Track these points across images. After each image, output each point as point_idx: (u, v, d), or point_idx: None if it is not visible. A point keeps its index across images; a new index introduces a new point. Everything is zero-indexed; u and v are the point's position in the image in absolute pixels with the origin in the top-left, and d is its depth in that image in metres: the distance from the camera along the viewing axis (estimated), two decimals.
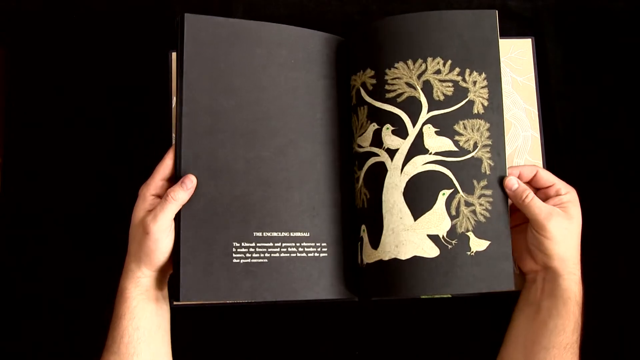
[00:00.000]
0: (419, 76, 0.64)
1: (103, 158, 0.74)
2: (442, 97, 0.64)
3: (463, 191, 0.63)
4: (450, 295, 0.65)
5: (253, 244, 0.63)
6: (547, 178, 0.64)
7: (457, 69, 0.64)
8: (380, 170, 0.64)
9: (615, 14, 0.78)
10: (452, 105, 0.64)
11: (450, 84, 0.64)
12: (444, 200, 0.62)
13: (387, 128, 0.64)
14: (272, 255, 0.63)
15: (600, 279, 0.70)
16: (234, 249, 0.62)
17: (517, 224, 0.66)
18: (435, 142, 0.63)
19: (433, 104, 0.64)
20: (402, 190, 0.63)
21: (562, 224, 0.61)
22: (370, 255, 0.64)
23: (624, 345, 0.71)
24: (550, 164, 0.72)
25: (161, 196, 0.62)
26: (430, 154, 0.63)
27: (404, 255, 0.62)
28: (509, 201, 0.63)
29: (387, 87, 0.64)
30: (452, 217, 0.62)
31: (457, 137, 0.63)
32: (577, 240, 0.62)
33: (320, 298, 0.64)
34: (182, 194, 0.61)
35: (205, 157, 0.63)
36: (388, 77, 0.64)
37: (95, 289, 0.70)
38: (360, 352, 0.71)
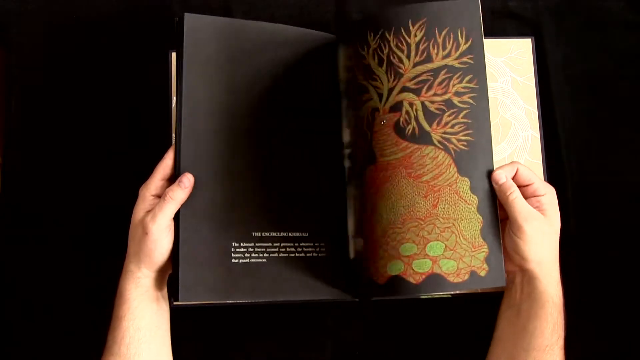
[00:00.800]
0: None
1: (103, 158, 0.74)
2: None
3: None
4: (450, 295, 0.65)
5: (252, 244, 0.63)
6: (527, 176, 0.61)
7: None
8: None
9: (615, 14, 0.78)
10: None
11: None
12: None
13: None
14: (270, 255, 0.63)
15: (598, 281, 0.70)
16: (232, 249, 0.62)
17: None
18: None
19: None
20: None
21: (540, 227, 0.59)
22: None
23: (615, 348, 0.70)
24: (550, 164, 0.72)
25: (160, 196, 0.62)
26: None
27: None
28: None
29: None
30: None
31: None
32: (554, 243, 0.61)
33: (319, 298, 0.64)
34: (180, 193, 0.61)
35: (204, 157, 0.63)
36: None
37: (95, 289, 0.71)
38: (360, 352, 0.71)
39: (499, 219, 0.61)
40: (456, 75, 0.61)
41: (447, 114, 0.61)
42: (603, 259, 0.72)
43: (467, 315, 0.71)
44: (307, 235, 0.64)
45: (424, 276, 0.59)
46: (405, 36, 0.62)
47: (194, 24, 0.64)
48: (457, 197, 0.60)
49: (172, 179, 0.63)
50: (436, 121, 0.61)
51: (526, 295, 0.61)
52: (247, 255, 0.62)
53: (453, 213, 0.60)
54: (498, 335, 0.64)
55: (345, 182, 0.67)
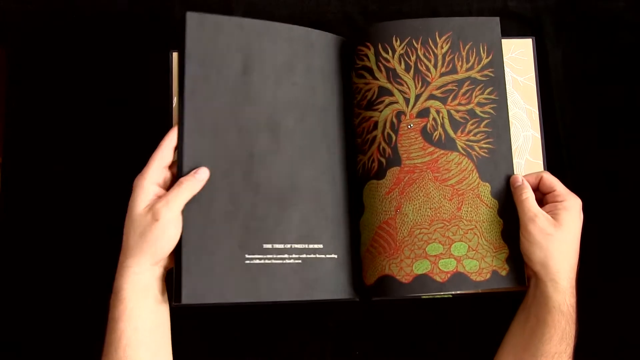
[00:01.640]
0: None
1: (103, 158, 0.74)
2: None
3: None
4: (450, 295, 0.65)
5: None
6: (550, 184, 0.64)
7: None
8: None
9: (615, 14, 0.78)
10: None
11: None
12: None
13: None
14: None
15: (598, 280, 0.70)
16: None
17: None
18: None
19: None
20: None
21: (546, 229, 0.61)
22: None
23: (614, 348, 0.71)
24: (550, 163, 0.72)
25: (160, 185, 0.61)
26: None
27: None
28: None
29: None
30: None
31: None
32: (564, 248, 0.61)
33: (326, 298, 0.64)
34: (195, 183, 0.60)
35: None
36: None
37: (95, 289, 0.70)
38: (360, 352, 0.71)
39: None
40: (478, 87, 0.66)
41: (470, 122, 0.65)
42: (603, 259, 0.72)
43: (468, 315, 0.71)
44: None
45: (449, 275, 0.63)
46: (433, 47, 0.66)
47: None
48: (479, 201, 0.64)
49: (173, 170, 0.62)
50: (460, 129, 0.65)
51: (535, 299, 0.62)
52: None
53: (475, 216, 0.64)
54: (508, 338, 0.64)
55: (357, 184, 0.67)
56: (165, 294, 0.63)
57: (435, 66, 0.66)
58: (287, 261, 0.62)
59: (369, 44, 0.67)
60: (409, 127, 0.65)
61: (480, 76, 0.66)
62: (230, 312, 0.70)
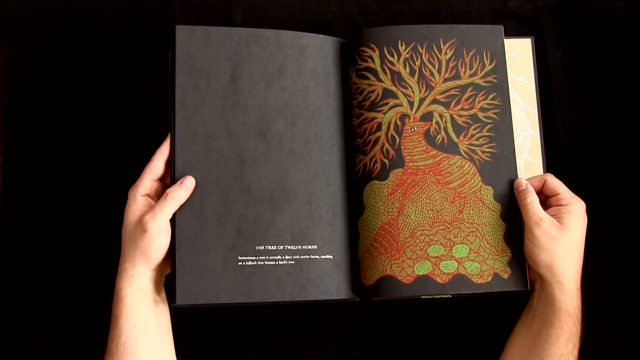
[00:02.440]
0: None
1: (103, 158, 0.74)
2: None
3: None
4: (450, 295, 0.65)
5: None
6: (553, 187, 0.65)
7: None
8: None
9: (615, 14, 0.78)
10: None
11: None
12: None
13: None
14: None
15: (597, 281, 0.70)
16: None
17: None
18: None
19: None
20: None
21: (550, 233, 0.61)
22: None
23: (615, 348, 0.71)
24: (550, 163, 0.72)
25: (151, 196, 0.63)
26: None
27: None
28: None
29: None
30: None
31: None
32: (569, 251, 0.62)
33: (321, 299, 0.64)
34: (181, 193, 0.62)
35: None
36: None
37: (95, 289, 0.70)
38: (361, 352, 0.71)
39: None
40: (481, 93, 0.67)
41: (472, 127, 0.66)
42: (603, 259, 0.72)
43: (467, 315, 0.71)
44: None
45: (450, 276, 0.63)
46: (437, 52, 0.67)
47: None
48: (481, 204, 0.65)
49: (165, 180, 0.64)
50: (463, 133, 0.66)
51: (542, 301, 0.62)
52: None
53: (477, 218, 0.65)
54: (513, 339, 0.65)
55: (357, 184, 0.67)
56: (165, 296, 0.65)
57: (439, 71, 0.67)
58: (281, 262, 0.63)
59: (373, 45, 0.67)
60: (413, 130, 0.66)
61: (484, 82, 0.67)
62: (230, 312, 0.70)
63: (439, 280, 0.63)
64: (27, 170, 0.74)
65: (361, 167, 0.67)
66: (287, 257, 0.64)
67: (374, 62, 0.67)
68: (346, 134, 0.68)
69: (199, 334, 0.71)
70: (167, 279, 0.64)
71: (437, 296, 0.65)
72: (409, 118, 0.66)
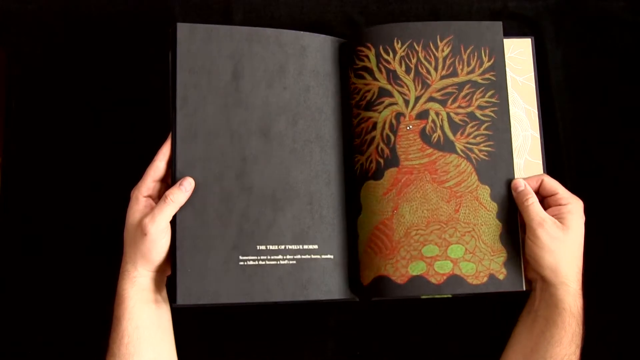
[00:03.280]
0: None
1: (103, 158, 0.74)
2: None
3: None
4: (450, 295, 0.65)
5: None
6: (551, 187, 0.64)
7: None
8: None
9: (615, 14, 0.78)
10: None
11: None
12: None
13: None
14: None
15: (597, 281, 0.70)
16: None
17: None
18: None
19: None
20: None
21: (553, 234, 0.61)
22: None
23: (614, 348, 0.71)
24: (549, 163, 0.72)
25: (153, 197, 0.63)
26: None
27: None
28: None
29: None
30: None
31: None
32: (571, 252, 0.62)
33: (321, 299, 0.64)
34: (180, 195, 0.61)
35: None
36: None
37: (96, 289, 0.70)
38: (361, 352, 0.71)
39: (520, 225, 0.64)
40: (479, 90, 0.66)
41: (469, 125, 0.65)
42: (603, 259, 0.72)
43: (467, 315, 0.71)
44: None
45: (445, 277, 0.63)
46: (434, 50, 0.66)
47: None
48: (477, 203, 0.64)
49: (164, 180, 0.64)
50: (460, 131, 0.65)
51: (544, 302, 0.62)
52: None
53: (473, 218, 0.64)
54: (514, 340, 0.64)
55: (355, 184, 0.67)
56: (166, 297, 0.64)
57: (435, 69, 0.66)
58: (282, 262, 0.63)
59: (369, 44, 0.67)
60: (408, 128, 0.65)
61: (482, 79, 0.66)
62: (230, 312, 0.70)
63: (433, 280, 0.63)
64: (27, 170, 0.74)
65: (359, 167, 0.67)
66: (288, 257, 0.63)
67: (370, 61, 0.67)
68: (346, 134, 0.68)
69: (199, 334, 0.71)
70: (168, 279, 0.64)
71: (437, 296, 0.65)
72: (405, 116, 0.66)
